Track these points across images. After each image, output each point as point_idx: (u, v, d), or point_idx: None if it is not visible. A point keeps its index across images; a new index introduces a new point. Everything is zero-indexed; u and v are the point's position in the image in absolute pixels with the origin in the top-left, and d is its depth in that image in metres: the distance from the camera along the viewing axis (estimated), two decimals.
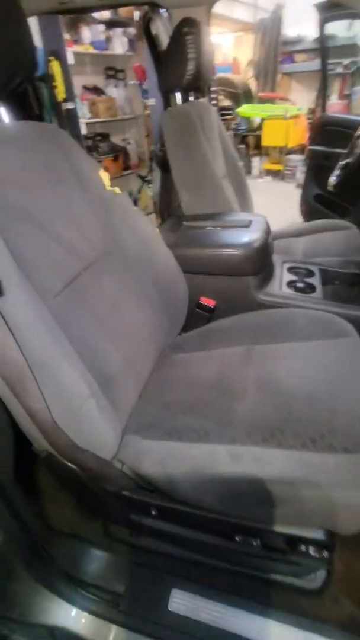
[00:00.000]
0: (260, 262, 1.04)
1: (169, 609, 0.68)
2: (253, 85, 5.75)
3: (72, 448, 0.59)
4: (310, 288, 1.06)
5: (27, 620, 0.68)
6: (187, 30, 1.18)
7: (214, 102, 1.64)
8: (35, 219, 0.64)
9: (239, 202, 1.51)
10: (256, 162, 5.07)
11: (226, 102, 5.33)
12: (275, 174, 5.01)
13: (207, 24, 1.34)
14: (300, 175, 4.81)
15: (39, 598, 0.70)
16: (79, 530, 0.83)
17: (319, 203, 2.28)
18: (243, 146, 5.08)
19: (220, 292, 1.05)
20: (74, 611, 0.71)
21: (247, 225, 1.13)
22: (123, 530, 0.79)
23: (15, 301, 0.54)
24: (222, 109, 5.22)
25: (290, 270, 1.15)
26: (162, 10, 1.40)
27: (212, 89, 1.64)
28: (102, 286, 0.78)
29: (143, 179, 3.36)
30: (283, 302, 1.02)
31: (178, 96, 1.30)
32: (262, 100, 5.48)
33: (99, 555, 0.78)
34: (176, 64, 1.21)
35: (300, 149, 5.18)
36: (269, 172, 5.07)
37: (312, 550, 0.62)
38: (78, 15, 2.74)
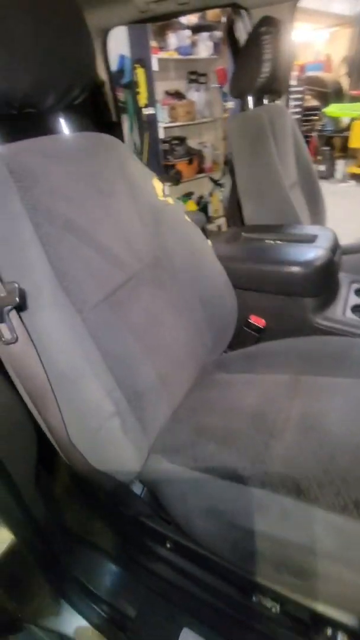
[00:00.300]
0: (321, 283, 0.93)
1: None
2: (345, 83, 5.36)
3: (88, 468, 0.58)
4: None
5: (39, 623, 0.69)
6: (264, 30, 1.11)
7: (298, 102, 1.53)
8: (79, 229, 0.64)
9: (310, 212, 1.39)
10: (340, 165, 4.72)
11: (313, 102, 5.05)
12: None
13: (290, 22, 1.26)
14: None
15: (51, 603, 0.70)
16: (98, 540, 0.83)
17: None
18: (327, 148, 4.77)
19: (273, 311, 0.96)
20: (82, 622, 0.71)
21: (311, 240, 1.02)
22: (138, 554, 0.77)
23: (45, 315, 0.54)
24: (308, 109, 4.96)
25: (359, 292, 1.02)
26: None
27: (298, 89, 1.52)
28: (144, 299, 0.76)
29: (215, 182, 3.33)
30: (343, 330, 0.91)
31: (250, 100, 1.23)
32: (354, 99, 5.08)
33: (114, 570, 0.77)
34: (250, 66, 1.14)
35: None
36: (354, 176, 4.69)
37: (340, 637, 0.53)
38: (165, 23, 2.80)
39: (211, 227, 3.54)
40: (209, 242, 0.90)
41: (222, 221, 3.66)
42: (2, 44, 0.52)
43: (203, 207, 3.46)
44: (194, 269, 0.84)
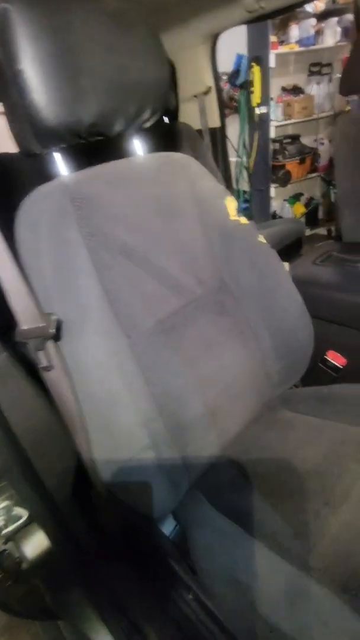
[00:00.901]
0: None
1: None
2: None
3: (109, 497, 0.58)
4: None
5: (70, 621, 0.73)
6: None
7: None
8: (136, 254, 0.64)
9: None
10: None
11: None
12: None
13: None
14: None
15: (86, 615, 0.73)
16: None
17: None
18: None
19: (356, 349, 0.81)
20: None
21: None
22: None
23: (90, 341, 0.55)
24: None
25: None
26: None
27: None
28: (201, 325, 0.72)
29: (329, 182, 3.03)
30: None
31: None
32: None
33: (148, 589, 0.76)
34: None
35: None
36: None
37: None
38: (288, 14, 2.63)
39: (320, 230, 3.26)
40: (286, 265, 0.81)
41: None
42: (70, 78, 0.54)
43: (313, 209, 3.19)
44: (264, 295, 0.77)
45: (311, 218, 3.20)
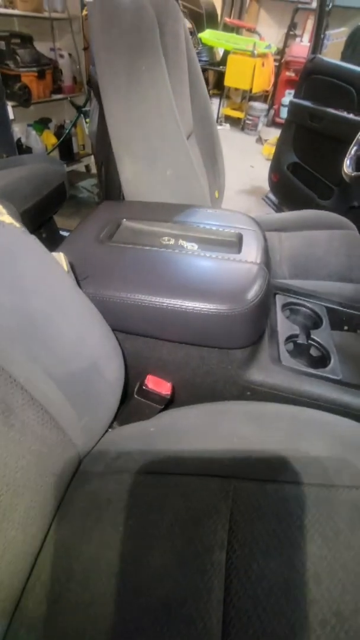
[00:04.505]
0: (257, 326, 0.59)
1: None
2: (219, 6, 4.84)
3: None
4: (322, 351, 0.67)
5: None
6: None
7: None
8: None
9: (207, 173, 1.04)
10: (215, 105, 4.41)
11: (187, 23, 4.43)
12: (235, 122, 4.43)
13: None
14: (262, 128, 4.33)
15: None
16: None
17: (295, 174, 1.88)
18: None
19: (182, 365, 0.60)
20: None
21: (235, 242, 0.68)
22: None
23: None
24: None
25: (286, 307, 0.75)
26: None
27: None
28: None
29: (79, 109, 2.61)
30: (284, 388, 0.61)
31: None
32: (227, 28, 4.67)
33: None
34: None
35: (264, 97, 4.62)
36: (228, 119, 4.47)
37: None
38: None
39: (78, 167, 2.89)
40: (61, 256, 0.48)
41: (91, 160, 3.01)
42: None
43: (66, 140, 2.73)
44: (32, 327, 0.42)
45: (65, 152, 2.75)
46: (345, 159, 0.87)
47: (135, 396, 0.55)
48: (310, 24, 4.66)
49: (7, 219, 0.40)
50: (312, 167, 1.73)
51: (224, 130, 4.36)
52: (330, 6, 4.23)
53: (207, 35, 4.10)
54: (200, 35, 4.15)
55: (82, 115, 2.64)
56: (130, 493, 0.48)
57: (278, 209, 2.23)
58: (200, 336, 0.56)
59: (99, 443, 0.54)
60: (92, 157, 2.75)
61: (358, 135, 0.87)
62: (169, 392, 0.55)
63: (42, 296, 0.42)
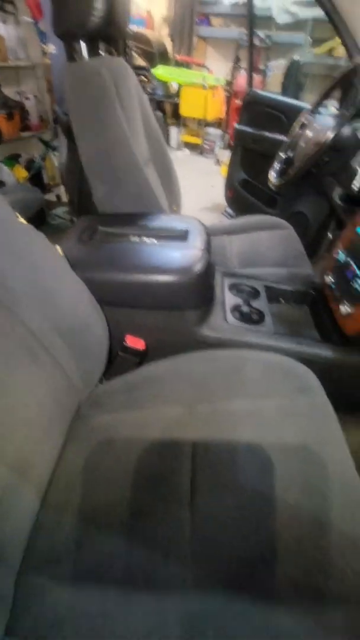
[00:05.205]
0: (203, 292, 0.81)
1: None
2: (168, 45, 5.29)
3: None
4: (259, 315, 0.89)
5: None
6: None
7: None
8: None
9: (165, 192, 1.25)
10: (174, 133, 4.76)
11: (140, 62, 4.82)
12: (194, 147, 4.78)
13: None
14: (219, 151, 4.69)
15: None
16: None
17: (245, 189, 2.14)
18: (160, 114, 4.70)
19: (152, 328, 0.80)
20: None
21: (183, 236, 0.89)
22: None
23: None
24: (135, 68, 4.69)
25: (232, 287, 0.96)
26: None
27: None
28: None
29: (46, 144, 2.84)
30: (231, 340, 0.82)
31: (83, 46, 0.94)
32: (179, 64, 5.10)
33: None
34: None
35: (218, 123, 5.02)
36: (187, 145, 4.82)
37: None
38: None
39: (49, 196, 3.08)
40: (59, 247, 0.66)
41: (61, 190, 3.21)
42: None
43: (36, 173, 2.93)
44: (42, 292, 0.60)
45: (36, 183, 2.95)
46: (270, 170, 1.10)
47: (119, 353, 0.73)
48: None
49: (23, 220, 0.58)
50: (258, 181, 1.99)
51: (185, 155, 4.70)
52: (268, 42, 4.70)
53: (161, 71, 4.49)
54: (154, 71, 4.55)
55: (50, 149, 2.87)
56: (119, 424, 0.65)
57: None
58: (163, 302, 0.76)
59: (92, 392, 0.71)
60: (62, 186, 2.96)
61: (278, 152, 1.11)
62: (143, 347, 0.73)
63: (47, 270, 0.61)
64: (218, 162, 4.35)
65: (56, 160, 2.93)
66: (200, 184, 3.76)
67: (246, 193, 2.10)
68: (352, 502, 0.50)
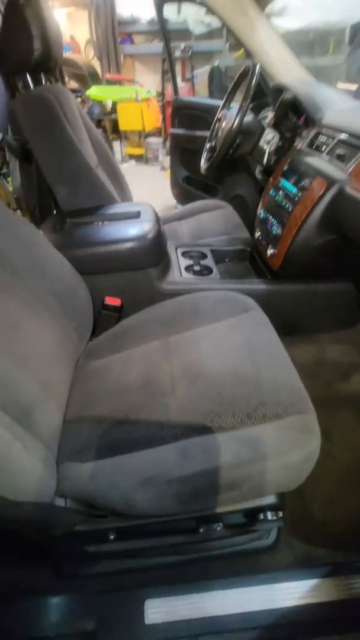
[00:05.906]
0: (158, 252, 1.03)
1: (146, 622, 0.66)
2: (97, 66, 5.55)
3: (8, 506, 0.51)
4: (207, 270, 1.11)
5: None
6: (23, 2, 1.04)
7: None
8: None
9: (117, 191, 1.46)
10: (117, 147, 4.99)
11: (73, 84, 5.04)
12: (139, 158, 5.03)
13: None
14: (163, 158, 4.95)
15: None
16: (22, 585, 0.73)
17: (189, 185, 2.38)
18: (100, 131, 4.91)
19: (124, 289, 1.01)
20: None
21: (136, 215, 1.09)
22: (76, 565, 0.73)
23: None
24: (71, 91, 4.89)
25: (184, 254, 1.18)
26: None
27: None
28: None
29: None
30: (186, 289, 1.04)
31: (29, 78, 1.15)
32: (110, 82, 5.35)
33: (54, 602, 0.70)
34: (19, 40, 1.06)
35: (158, 132, 5.30)
36: (132, 156, 5.06)
37: (269, 515, 0.68)
38: None
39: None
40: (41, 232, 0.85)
41: (17, 214, 3.33)
42: None
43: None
44: (36, 264, 0.79)
45: None
46: (201, 160, 1.33)
47: (102, 311, 0.93)
48: (179, 67, 5.51)
49: (22, 218, 0.77)
50: (199, 175, 2.24)
51: (131, 166, 4.93)
52: (190, 53, 5.01)
53: (95, 91, 4.73)
54: (89, 92, 4.78)
55: (1, 177, 3.01)
56: (111, 363, 0.83)
57: None
58: (129, 264, 0.98)
59: (86, 347, 0.89)
60: (19, 211, 3.08)
61: (205, 144, 1.34)
62: (119, 304, 0.94)
63: (36, 246, 0.80)
64: (163, 168, 4.61)
65: (9, 185, 3.06)
66: (150, 190, 3.99)
67: (190, 187, 2.35)
68: (276, 362, 0.72)
